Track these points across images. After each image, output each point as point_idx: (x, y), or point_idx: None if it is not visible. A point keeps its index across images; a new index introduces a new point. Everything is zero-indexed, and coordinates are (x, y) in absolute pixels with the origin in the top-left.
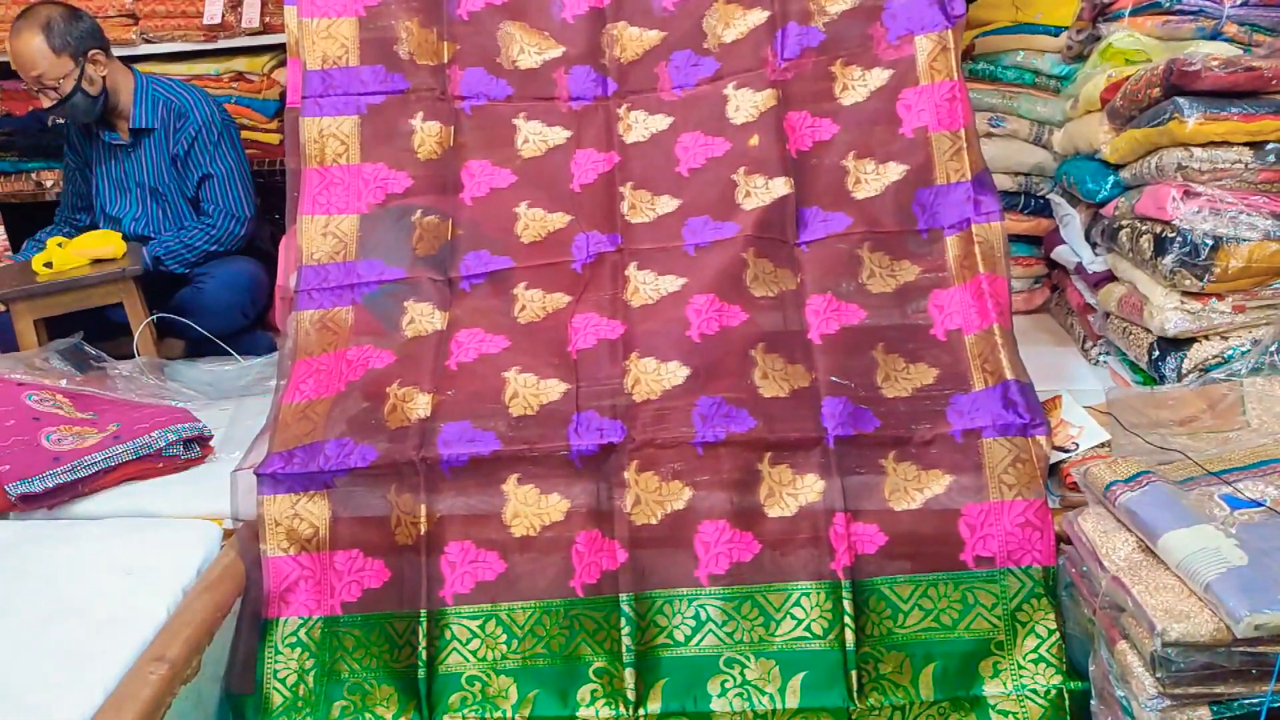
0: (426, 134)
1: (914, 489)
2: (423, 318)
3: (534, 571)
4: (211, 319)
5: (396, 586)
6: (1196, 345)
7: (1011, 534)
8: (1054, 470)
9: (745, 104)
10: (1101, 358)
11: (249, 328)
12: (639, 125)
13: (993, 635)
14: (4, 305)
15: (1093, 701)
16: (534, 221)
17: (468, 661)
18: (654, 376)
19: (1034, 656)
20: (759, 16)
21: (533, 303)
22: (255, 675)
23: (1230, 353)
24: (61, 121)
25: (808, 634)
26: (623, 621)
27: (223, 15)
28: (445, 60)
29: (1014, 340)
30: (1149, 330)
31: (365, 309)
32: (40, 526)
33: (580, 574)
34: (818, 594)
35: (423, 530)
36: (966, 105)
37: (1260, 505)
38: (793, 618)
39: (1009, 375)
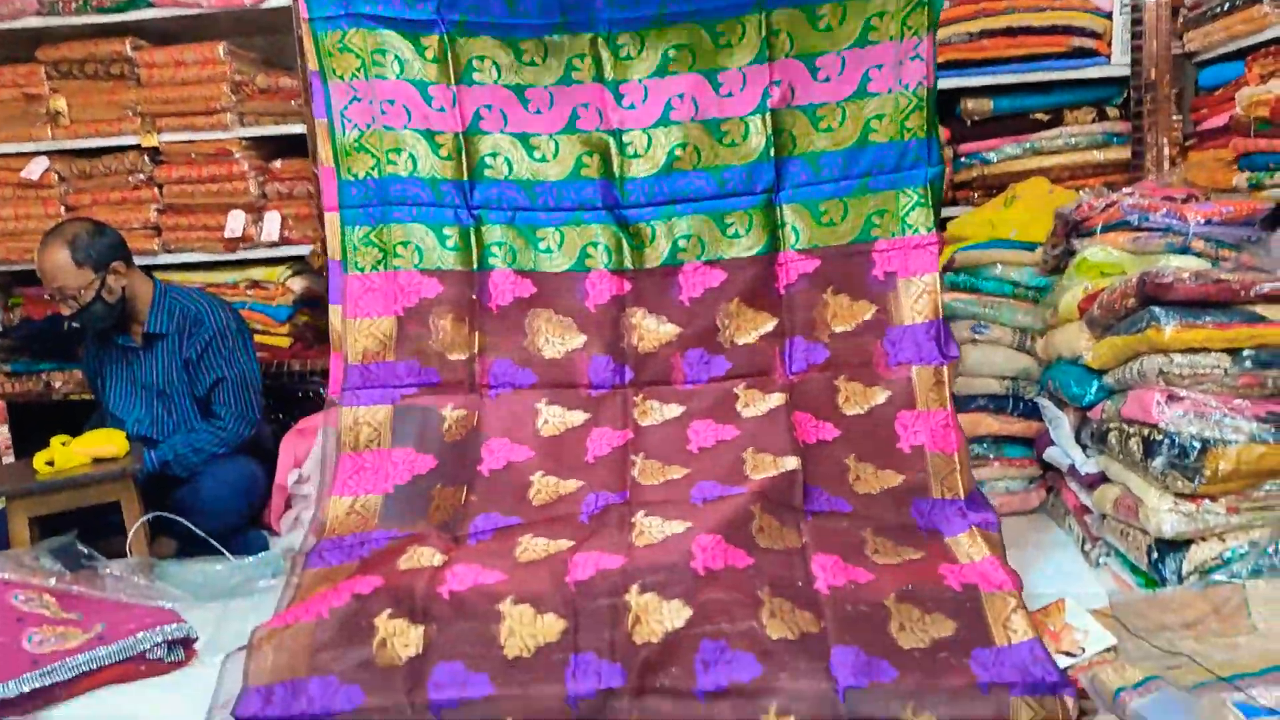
0: (453, 420)
1: None
2: (422, 557)
3: None
4: (208, 517)
5: None
6: (1195, 546)
7: None
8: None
9: (755, 401)
10: (1101, 559)
11: (244, 526)
12: (654, 413)
13: None
14: (2, 501)
15: None
16: (546, 487)
17: None
18: (655, 617)
19: None
20: (768, 324)
21: (535, 547)
22: None
23: (1229, 554)
24: (78, 326)
25: None
26: None
27: (243, 229)
28: (475, 351)
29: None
30: (1146, 532)
31: (366, 556)
32: None
33: None
34: None
35: None
36: (959, 433)
37: (1277, 714)
38: None
39: (1031, 634)
